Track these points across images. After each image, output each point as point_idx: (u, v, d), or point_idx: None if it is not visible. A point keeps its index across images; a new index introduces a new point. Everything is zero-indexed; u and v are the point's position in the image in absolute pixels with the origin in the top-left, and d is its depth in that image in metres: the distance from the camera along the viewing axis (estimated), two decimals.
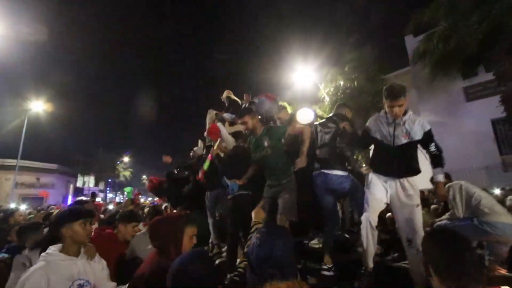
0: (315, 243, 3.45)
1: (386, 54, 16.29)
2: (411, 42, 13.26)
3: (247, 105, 5.96)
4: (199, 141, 6.59)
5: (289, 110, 16.61)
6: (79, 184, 35.85)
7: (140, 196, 14.94)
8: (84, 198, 31.45)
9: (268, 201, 2.88)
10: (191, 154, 5.93)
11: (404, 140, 2.29)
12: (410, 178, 2.33)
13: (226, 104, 6.53)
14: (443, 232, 1.33)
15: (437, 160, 2.33)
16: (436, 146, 2.32)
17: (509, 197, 4.63)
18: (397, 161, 2.31)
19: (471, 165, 11.54)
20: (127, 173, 42.65)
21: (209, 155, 3.87)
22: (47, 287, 1.48)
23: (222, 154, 3.63)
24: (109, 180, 40.19)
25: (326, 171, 2.73)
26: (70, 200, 29.32)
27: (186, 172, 5.12)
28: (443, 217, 3.06)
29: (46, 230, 3.10)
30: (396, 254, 2.86)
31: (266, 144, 2.90)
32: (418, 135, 2.28)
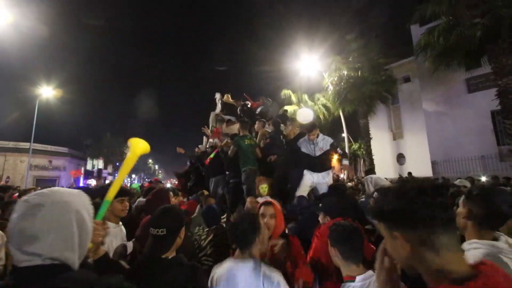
0: None
1: (392, 42, 16.20)
2: (417, 31, 13.30)
3: (249, 105, 6.60)
4: (204, 137, 7.50)
5: (294, 98, 16.82)
6: (88, 167, 37.07)
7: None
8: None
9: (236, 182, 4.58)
10: (195, 150, 7.05)
11: (319, 152, 3.94)
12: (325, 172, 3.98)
13: (219, 104, 7.42)
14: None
15: (344, 155, 4.19)
16: (341, 149, 4.13)
17: None
18: (318, 164, 3.95)
19: (468, 154, 11.95)
20: None
21: (216, 149, 5.27)
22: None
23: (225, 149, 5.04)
24: (117, 164, 41.40)
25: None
26: (82, 182, 30.55)
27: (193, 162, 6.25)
28: (363, 195, 4.33)
29: None
30: None
31: None
32: (326, 147, 3.97)
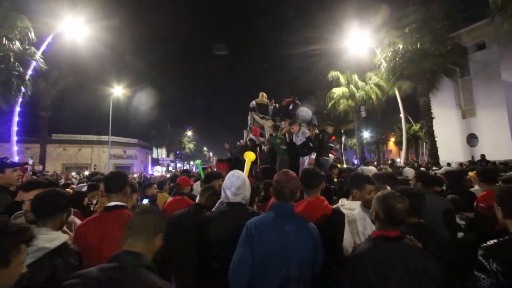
0: None
1: (460, 5, 13.87)
2: None
3: (291, 106, 7.69)
4: (244, 131, 8.67)
5: (342, 79, 16.14)
6: (154, 155, 41.99)
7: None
8: (159, 167, 36.39)
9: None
10: (237, 143, 8.59)
11: (299, 142, 5.58)
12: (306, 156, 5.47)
13: (255, 106, 8.43)
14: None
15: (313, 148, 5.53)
16: (312, 142, 5.52)
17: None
18: (301, 149, 5.54)
19: None
20: (191, 146, 47.76)
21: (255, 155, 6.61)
22: None
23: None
24: (177, 152, 45.87)
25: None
26: (150, 169, 34.95)
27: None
28: None
29: None
30: None
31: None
32: (303, 139, 5.50)
